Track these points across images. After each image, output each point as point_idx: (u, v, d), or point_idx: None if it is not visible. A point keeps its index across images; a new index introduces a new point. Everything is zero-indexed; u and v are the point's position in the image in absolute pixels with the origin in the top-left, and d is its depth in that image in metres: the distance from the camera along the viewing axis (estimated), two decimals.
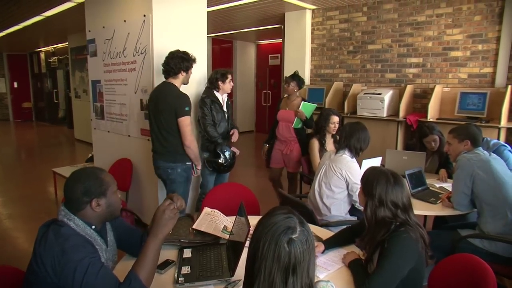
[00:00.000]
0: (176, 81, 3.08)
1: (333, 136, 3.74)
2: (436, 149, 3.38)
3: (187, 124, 2.95)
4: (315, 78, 6.32)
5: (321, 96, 5.67)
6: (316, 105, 4.05)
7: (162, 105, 2.97)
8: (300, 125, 3.99)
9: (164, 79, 3.15)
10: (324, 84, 6.00)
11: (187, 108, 2.95)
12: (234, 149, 3.63)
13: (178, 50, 3.12)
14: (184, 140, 2.98)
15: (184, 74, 3.09)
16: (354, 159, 2.72)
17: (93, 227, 1.52)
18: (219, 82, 3.52)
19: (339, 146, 2.79)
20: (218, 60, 9.72)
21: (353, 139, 2.70)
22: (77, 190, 1.49)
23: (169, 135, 3.01)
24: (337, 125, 3.67)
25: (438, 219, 3.15)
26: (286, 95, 4.18)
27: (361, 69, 5.74)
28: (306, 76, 6.30)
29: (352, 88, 5.43)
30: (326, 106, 5.32)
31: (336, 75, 6.05)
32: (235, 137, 3.60)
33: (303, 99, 4.05)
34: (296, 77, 4.02)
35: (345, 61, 5.92)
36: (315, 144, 3.69)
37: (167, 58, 3.07)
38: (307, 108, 3.93)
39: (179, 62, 3.03)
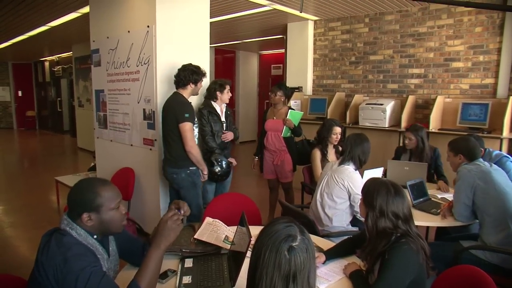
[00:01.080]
0: (185, 92, 3.23)
1: (334, 146, 3.75)
2: (409, 148, 3.56)
3: (186, 129, 3.06)
4: (317, 88, 6.35)
5: (323, 106, 5.69)
6: (302, 112, 4.08)
7: (167, 113, 3.14)
8: (289, 134, 4.01)
9: (175, 89, 3.29)
10: (326, 94, 6.02)
11: (187, 115, 3.06)
12: (231, 159, 3.64)
13: (191, 63, 3.28)
14: (185, 145, 3.09)
15: (192, 86, 3.24)
16: (357, 171, 2.73)
17: (95, 236, 1.51)
18: (217, 93, 3.56)
19: (344, 158, 2.79)
20: (220, 70, 9.78)
21: (358, 151, 2.71)
22: (73, 200, 1.48)
23: (173, 141, 3.13)
24: (339, 136, 3.68)
25: (440, 230, 3.12)
26: (272, 105, 4.16)
27: (363, 80, 5.77)
28: (308, 86, 6.34)
29: (354, 98, 5.45)
30: (328, 117, 5.34)
31: (338, 85, 6.07)
32: (226, 136, 3.57)
33: (290, 107, 4.07)
34: (283, 87, 4.05)
35: (347, 72, 5.95)
36: (317, 154, 3.69)
37: (179, 70, 3.23)
38: (294, 116, 3.96)
39: (189, 74, 3.19)
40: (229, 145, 3.67)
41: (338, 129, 3.67)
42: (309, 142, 4.13)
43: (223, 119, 3.60)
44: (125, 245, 1.73)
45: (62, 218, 1.50)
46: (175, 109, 3.08)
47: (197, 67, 3.26)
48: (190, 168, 3.17)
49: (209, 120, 3.53)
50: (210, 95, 3.59)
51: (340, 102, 5.76)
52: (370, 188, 1.77)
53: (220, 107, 3.60)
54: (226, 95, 3.59)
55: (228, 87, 3.60)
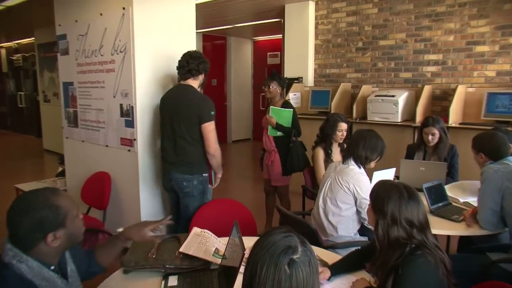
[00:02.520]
0: (195, 84, 3.22)
1: (340, 145, 3.78)
2: (432, 145, 3.55)
3: (211, 130, 3.06)
4: (319, 79, 6.37)
5: (327, 99, 5.72)
6: (290, 110, 4.09)
7: (185, 111, 3.07)
8: (279, 133, 4.09)
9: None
10: (330, 86, 6.05)
11: (212, 113, 3.07)
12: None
13: (195, 50, 3.29)
14: (208, 148, 3.07)
15: (202, 76, 3.25)
16: (363, 171, 2.75)
17: (52, 267, 1.43)
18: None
19: (344, 155, 2.83)
20: (209, 59, 9.76)
21: (358, 147, 2.73)
22: (25, 224, 1.35)
23: (187, 144, 3.10)
24: (345, 133, 3.70)
25: (463, 240, 3.13)
26: (269, 100, 4.24)
27: (371, 68, 5.80)
28: (309, 77, 6.36)
29: (362, 89, 5.48)
30: (332, 111, 5.36)
31: (343, 75, 6.10)
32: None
33: (286, 101, 4.14)
34: (275, 76, 4.12)
35: (353, 60, 5.97)
36: (320, 154, 3.71)
37: (187, 57, 3.19)
38: (277, 113, 4.02)
39: (201, 62, 3.18)
40: None
41: (343, 125, 3.69)
42: (302, 144, 4.17)
43: None
44: (82, 263, 1.70)
45: (4, 248, 1.37)
46: (200, 106, 3.05)
47: (202, 54, 3.28)
48: (203, 174, 3.18)
49: None
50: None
51: (346, 94, 5.79)
52: (380, 191, 1.77)
53: None
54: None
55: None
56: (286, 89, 4.48)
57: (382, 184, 1.81)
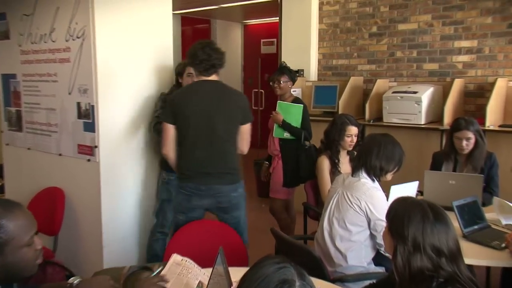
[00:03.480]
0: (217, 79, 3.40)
1: (349, 153, 3.79)
2: (466, 153, 3.52)
3: (249, 129, 3.37)
4: (324, 72, 6.42)
5: (333, 97, 5.74)
6: (301, 105, 4.22)
7: (231, 110, 3.27)
8: (285, 135, 4.21)
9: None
10: (337, 80, 6.07)
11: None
12: None
13: (211, 41, 3.45)
14: (244, 147, 3.37)
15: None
16: (377, 185, 2.75)
17: None
18: (178, 77, 3.74)
19: (354, 165, 2.84)
20: (189, 46, 9.78)
21: (372, 155, 2.73)
22: None
23: (233, 148, 3.33)
24: (355, 138, 3.72)
25: (507, 273, 3.13)
26: (278, 97, 4.35)
27: (388, 59, 5.84)
28: (312, 69, 6.41)
29: (376, 85, 5.50)
30: (340, 111, 5.37)
31: (353, 67, 6.15)
32: None
33: (297, 98, 4.23)
34: (286, 70, 4.27)
35: (366, 48, 6.02)
36: (325, 164, 3.72)
37: (207, 50, 3.28)
38: (285, 109, 4.11)
39: (223, 55, 3.35)
40: None
41: (353, 129, 3.70)
42: (316, 149, 4.20)
43: None
44: None
45: None
46: (245, 104, 3.35)
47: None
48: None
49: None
50: (177, 79, 3.78)
51: (357, 90, 5.82)
52: (399, 211, 1.78)
53: None
54: (186, 79, 3.73)
55: (190, 68, 3.68)
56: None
57: (401, 202, 1.81)
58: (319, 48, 6.42)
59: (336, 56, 6.28)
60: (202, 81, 3.33)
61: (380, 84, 5.55)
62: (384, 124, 5.15)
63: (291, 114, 4.15)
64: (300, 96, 5.99)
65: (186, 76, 3.74)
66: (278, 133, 4.20)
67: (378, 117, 5.35)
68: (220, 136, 3.24)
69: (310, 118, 5.45)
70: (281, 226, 4.31)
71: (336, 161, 3.73)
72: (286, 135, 4.20)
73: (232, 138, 3.29)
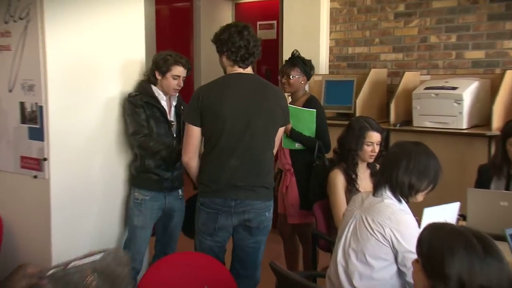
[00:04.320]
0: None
1: (370, 166, 3.82)
2: None
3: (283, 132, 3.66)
4: (337, 62, 6.43)
5: (349, 95, 5.73)
6: (314, 111, 4.27)
7: (274, 111, 3.43)
8: (297, 146, 4.28)
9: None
10: (354, 74, 6.09)
11: None
12: None
13: (247, 24, 3.50)
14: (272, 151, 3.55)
15: None
16: (406, 207, 2.75)
17: None
18: (156, 72, 3.74)
19: (376, 182, 2.86)
20: (167, 33, 9.78)
21: (399, 169, 2.72)
22: None
23: (270, 155, 3.51)
24: (377, 147, 3.73)
25: None
26: (287, 94, 4.37)
27: (419, 45, 5.85)
28: (322, 60, 6.42)
29: (404, 79, 5.48)
30: (358, 113, 5.37)
31: (374, 56, 6.16)
32: None
33: (312, 98, 4.29)
34: (298, 61, 4.32)
35: (390, 32, 6.02)
36: (338, 179, 3.74)
37: (246, 36, 3.37)
38: (294, 116, 4.09)
39: (260, 42, 3.48)
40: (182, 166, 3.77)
41: (375, 136, 3.72)
42: (330, 162, 4.22)
43: (170, 118, 3.81)
44: None
45: None
46: (286, 103, 3.57)
47: None
48: None
49: (146, 116, 3.70)
50: (151, 74, 3.79)
51: (379, 86, 5.83)
52: (435, 242, 1.78)
53: (165, 98, 3.80)
54: (169, 81, 3.76)
55: (178, 68, 3.75)
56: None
57: (437, 230, 1.82)
58: (330, 32, 6.41)
59: (353, 43, 6.28)
60: (237, 74, 3.42)
61: (409, 78, 5.52)
62: (415, 129, 5.13)
63: (302, 120, 4.19)
64: None
65: (170, 77, 3.75)
66: (287, 143, 4.22)
67: (407, 120, 5.32)
68: (259, 142, 3.36)
69: None
70: (288, 251, 4.41)
71: (353, 176, 3.74)
72: (298, 145, 4.26)
73: (271, 144, 3.45)
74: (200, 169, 3.41)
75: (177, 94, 3.93)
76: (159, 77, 3.77)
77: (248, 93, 3.37)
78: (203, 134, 3.37)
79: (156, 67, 3.76)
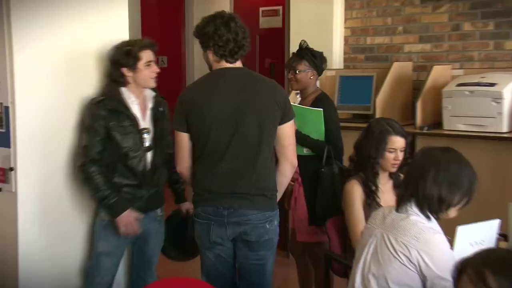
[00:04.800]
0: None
1: (393, 176, 3.81)
2: None
3: (292, 129, 3.57)
4: (353, 55, 6.47)
5: (367, 93, 5.77)
6: (321, 110, 4.30)
7: (269, 107, 3.43)
8: (305, 151, 4.32)
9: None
10: (373, 68, 6.12)
11: None
12: (185, 206, 3.97)
13: (234, 14, 3.61)
14: (291, 157, 3.52)
15: None
16: (435, 225, 2.72)
17: None
18: (124, 70, 3.65)
19: (400, 195, 2.85)
20: (156, 21, 9.91)
21: (426, 180, 2.70)
22: None
23: (267, 158, 3.47)
24: (400, 154, 3.70)
25: None
26: (295, 91, 4.49)
27: (451, 34, 5.85)
28: (336, 52, 6.45)
29: (433, 74, 5.48)
30: (378, 114, 5.39)
31: (397, 47, 6.18)
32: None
33: (323, 95, 4.35)
34: (307, 53, 4.37)
35: (415, 18, 6.04)
36: (355, 192, 3.72)
37: (234, 27, 3.43)
38: (300, 115, 4.14)
39: (248, 33, 3.55)
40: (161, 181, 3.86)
41: (398, 141, 3.70)
42: (342, 170, 4.26)
43: (144, 124, 3.75)
44: None
45: None
46: (284, 96, 3.56)
47: None
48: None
49: (108, 128, 3.62)
50: (114, 75, 3.73)
51: (403, 82, 5.84)
52: (476, 267, 1.77)
53: (139, 100, 3.75)
54: (144, 72, 3.71)
55: (147, 52, 3.72)
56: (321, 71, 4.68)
57: (477, 254, 1.81)
58: (345, 19, 6.44)
59: (372, 32, 6.29)
60: (223, 70, 3.47)
61: (439, 72, 5.52)
62: (445, 132, 5.13)
63: (309, 122, 4.22)
64: None
65: (143, 66, 3.69)
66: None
67: (436, 122, 5.32)
68: (252, 143, 3.37)
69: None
70: (300, 275, 4.46)
71: (373, 188, 3.71)
72: (307, 151, 4.29)
73: (268, 145, 3.42)
74: (192, 177, 3.49)
75: (154, 94, 3.91)
76: (130, 74, 3.70)
77: (236, 89, 3.41)
78: (191, 139, 3.43)
79: (121, 64, 3.69)
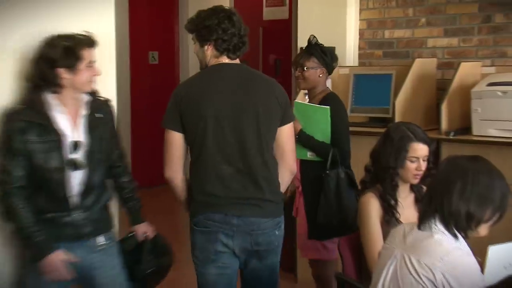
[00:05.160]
0: None
1: (414, 188, 3.80)
2: None
3: (293, 132, 3.73)
4: (369, 51, 6.49)
5: (385, 93, 5.78)
6: (327, 108, 4.40)
7: (270, 106, 3.56)
8: (309, 155, 4.46)
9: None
10: (392, 65, 6.14)
11: None
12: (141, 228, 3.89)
13: (218, 7, 3.70)
14: (290, 161, 3.68)
15: None
16: (463, 244, 2.71)
17: None
18: (60, 71, 3.43)
19: (423, 211, 2.83)
20: (144, 14, 10.02)
21: (452, 193, 2.69)
22: None
23: (271, 161, 3.59)
24: (423, 164, 3.68)
25: None
26: (302, 91, 4.57)
27: (481, 27, 5.86)
28: (349, 47, 6.48)
29: (460, 71, 5.49)
30: (397, 118, 5.40)
31: (420, 42, 6.19)
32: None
33: (332, 95, 4.43)
34: (316, 49, 4.46)
35: (441, 9, 6.06)
36: (372, 206, 3.70)
37: (233, 22, 3.57)
38: (304, 113, 4.30)
39: (247, 31, 3.67)
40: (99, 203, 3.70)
41: (421, 148, 3.68)
42: (349, 177, 4.44)
43: (75, 136, 3.49)
44: None
45: None
46: (285, 97, 3.66)
47: None
48: None
49: (29, 145, 3.38)
50: (43, 78, 3.45)
51: (426, 81, 5.85)
52: None
53: (69, 107, 3.54)
54: (84, 74, 3.46)
55: (90, 51, 3.49)
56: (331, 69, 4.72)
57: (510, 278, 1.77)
58: (361, 10, 6.46)
59: (390, 24, 6.30)
60: (220, 65, 3.58)
61: (467, 70, 5.53)
62: (474, 139, 5.13)
63: (314, 121, 4.30)
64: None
65: (84, 68, 3.42)
66: (298, 151, 4.19)
67: (464, 127, 5.33)
68: (254, 143, 3.48)
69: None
70: None
71: (392, 202, 3.69)
72: (311, 155, 4.36)
73: (270, 146, 3.56)
74: (190, 183, 3.55)
75: (89, 98, 3.58)
76: (68, 76, 3.40)
77: (235, 86, 3.52)
78: (186, 140, 3.49)
79: (58, 65, 3.40)
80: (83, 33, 3.52)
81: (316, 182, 4.37)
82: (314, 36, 4.56)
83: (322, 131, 4.30)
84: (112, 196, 3.84)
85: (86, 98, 3.59)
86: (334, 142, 4.33)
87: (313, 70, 4.44)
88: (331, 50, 4.58)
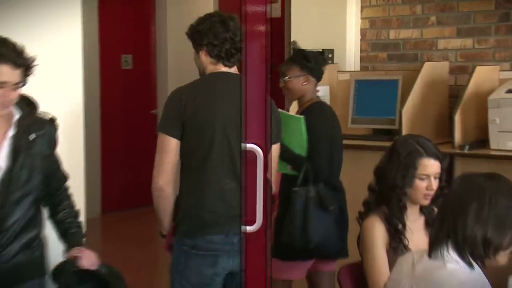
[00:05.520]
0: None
1: (425, 210, 3.78)
2: None
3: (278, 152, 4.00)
4: (372, 53, 6.50)
5: (391, 102, 5.79)
6: (301, 117, 4.54)
7: (271, 122, 3.61)
8: (289, 170, 4.59)
9: None
10: (399, 70, 6.15)
11: None
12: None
13: (215, 13, 3.97)
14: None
15: None
16: (479, 274, 2.69)
17: None
18: None
19: (434, 236, 2.82)
20: (115, 15, 10.11)
21: (467, 216, 2.67)
22: None
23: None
24: (434, 183, 3.67)
25: None
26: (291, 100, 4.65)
27: (498, 26, 5.87)
28: (350, 50, 6.48)
29: (475, 76, 5.49)
30: (405, 131, 5.42)
31: (430, 43, 6.21)
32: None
33: (319, 103, 4.53)
34: (298, 56, 4.60)
35: (453, 7, 6.07)
36: (377, 231, 3.68)
37: (230, 27, 3.69)
38: (284, 122, 4.36)
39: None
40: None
41: (432, 165, 3.66)
42: (320, 196, 4.48)
43: None
44: None
45: None
46: (277, 112, 3.96)
47: None
48: None
49: None
50: None
51: (437, 87, 5.86)
52: None
53: None
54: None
55: (3, 69, 3.26)
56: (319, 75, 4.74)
57: None
58: (362, 8, 6.48)
59: (396, 24, 6.32)
60: (223, 74, 3.74)
61: (483, 74, 5.54)
62: (492, 153, 5.15)
63: (289, 131, 4.37)
64: (328, 99, 5.98)
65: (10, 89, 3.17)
66: (281, 166, 4.36)
67: (480, 139, 5.34)
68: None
69: (348, 143, 5.49)
70: None
71: (399, 226, 3.67)
72: (291, 168, 4.54)
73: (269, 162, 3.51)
74: (182, 199, 3.67)
75: (21, 116, 3.33)
76: None
77: (236, 98, 3.42)
78: (183, 149, 3.59)
79: None
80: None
81: (288, 198, 4.47)
82: (295, 42, 4.64)
83: (298, 142, 4.44)
84: (43, 236, 3.53)
85: (16, 115, 3.34)
86: (309, 155, 4.43)
87: (296, 79, 4.57)
88: (315, 54, 4.69)
